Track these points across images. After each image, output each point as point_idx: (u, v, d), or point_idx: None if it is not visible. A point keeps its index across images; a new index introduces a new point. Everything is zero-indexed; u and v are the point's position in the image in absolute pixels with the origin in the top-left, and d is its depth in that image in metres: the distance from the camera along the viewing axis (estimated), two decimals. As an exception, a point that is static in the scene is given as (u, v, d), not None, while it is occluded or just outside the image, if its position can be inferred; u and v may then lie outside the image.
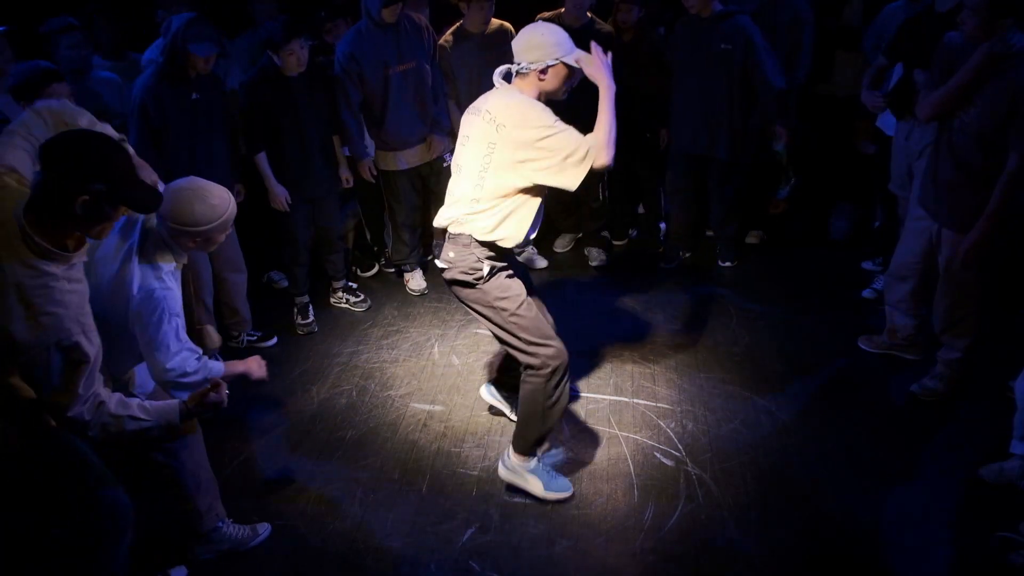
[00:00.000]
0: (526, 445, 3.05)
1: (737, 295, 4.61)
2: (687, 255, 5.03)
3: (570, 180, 2.69)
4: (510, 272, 2.94)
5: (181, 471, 2.69)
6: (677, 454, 3.31)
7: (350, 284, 4.69)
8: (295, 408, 3.74)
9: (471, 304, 2.95)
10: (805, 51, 4.65)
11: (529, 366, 2.91)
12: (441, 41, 4.48)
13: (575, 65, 2.74)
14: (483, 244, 2.83)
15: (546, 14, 4.52)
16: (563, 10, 4.49)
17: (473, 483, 3.21)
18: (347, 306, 4.62)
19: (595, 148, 2.67)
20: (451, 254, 2.87)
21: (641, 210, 5.40)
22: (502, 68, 2.84)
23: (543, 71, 2.73)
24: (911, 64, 3.77)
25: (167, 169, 3.49)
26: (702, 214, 5.01)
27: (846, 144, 4.94)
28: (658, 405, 3.63)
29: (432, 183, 4.61)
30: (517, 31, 2.86)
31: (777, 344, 4.09)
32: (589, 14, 4.49)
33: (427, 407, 3.71)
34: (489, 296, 2.87)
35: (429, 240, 5.00)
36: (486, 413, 3.64)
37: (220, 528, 2.84)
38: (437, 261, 2.95)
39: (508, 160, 2.70)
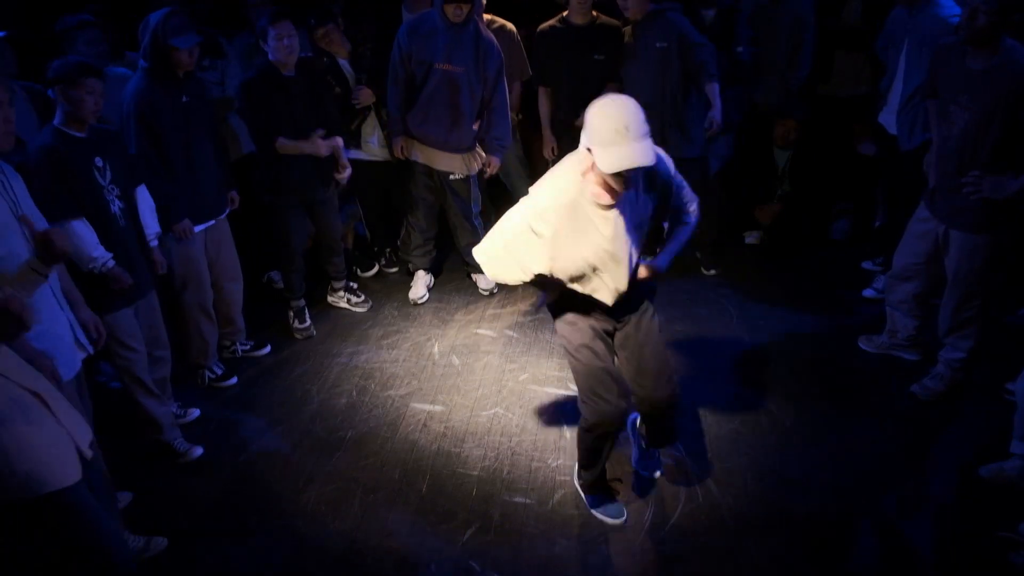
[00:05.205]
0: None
1: (737, 295, 4.61)
2: None
3: None
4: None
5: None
6: (677, 454, 3.31)
7: (351, 284, 4.69)
8: (295, 408, 3.74)
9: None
10: (806, 51, 4.66)
11: None
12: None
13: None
14: None
15: (551, 21, 4.53)
16: (566, 12, 4.50)
17: (473, 483, 3.21)
18: (347, 306, 4.61)
19: None
20: None
21: None
22: None
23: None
24: None
25: (167, 173, 3.49)
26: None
27: (846, 144, 4.95)
28: (658, 405, 3.63)
29: (443, 199, 4.56)
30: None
31: (777, 344, 4.08)
32: (594, 12, 4.48)
33: (427, 407, 3.71)
34: None
35: (442, 247, 4.95)
36: (486, 413, 3.64)
37: None
38: None
39: None
